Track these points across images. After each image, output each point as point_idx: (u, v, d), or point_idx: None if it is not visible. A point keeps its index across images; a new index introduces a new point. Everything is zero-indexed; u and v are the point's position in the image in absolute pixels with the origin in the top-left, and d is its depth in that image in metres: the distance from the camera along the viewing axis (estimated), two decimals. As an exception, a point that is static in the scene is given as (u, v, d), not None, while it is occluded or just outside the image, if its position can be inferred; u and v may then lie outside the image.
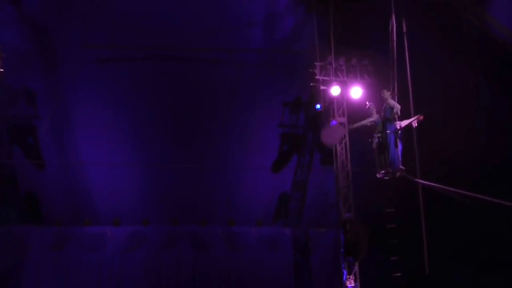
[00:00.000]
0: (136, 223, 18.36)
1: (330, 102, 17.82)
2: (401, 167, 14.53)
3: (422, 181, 14.18)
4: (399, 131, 14.61)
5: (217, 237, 18.66)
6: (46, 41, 18.12)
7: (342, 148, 17.59)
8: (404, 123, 14.51)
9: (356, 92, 17.56)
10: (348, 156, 17.54)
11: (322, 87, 17.60)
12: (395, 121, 14.65)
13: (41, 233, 17.92)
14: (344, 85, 17.66)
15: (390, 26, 13.54)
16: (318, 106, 18.11)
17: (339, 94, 17.63)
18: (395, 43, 13.56)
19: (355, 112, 17.21)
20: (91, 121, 18.65)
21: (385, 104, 14.92)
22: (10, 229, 17.73)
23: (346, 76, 17.77)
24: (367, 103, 15.89)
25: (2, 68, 15.93)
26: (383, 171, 14.85)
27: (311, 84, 17.75)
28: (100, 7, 17.55)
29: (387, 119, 14.81)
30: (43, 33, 17.98)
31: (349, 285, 16.61)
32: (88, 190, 18.88)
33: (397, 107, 14.51)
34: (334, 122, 17.53)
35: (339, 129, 17.32)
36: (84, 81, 18.40)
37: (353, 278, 16.69)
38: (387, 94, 14.85)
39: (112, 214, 18.37)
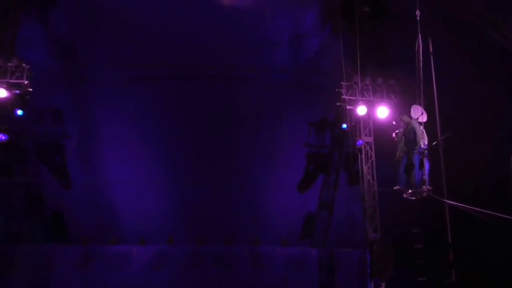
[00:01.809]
0: (161, 241, 18.37)
1: (356, 122, 17.69)
2: (428, 187, 14.31)
3: (449, 201, 14.02)
4: (426, 151, 14.42)
5: (242, 257, 18.62)
6: (72, 60, 18.32)
7: (368, 168, 17.48)
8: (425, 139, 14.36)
9: (383, 112, 17.44)
10: (375, 175, 17.41)
11: (348, 107, 17.47)
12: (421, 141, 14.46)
13: (67, 251, 17.98)
14: (370, 105, 17.54)
15: (416, 46, 13.43)
16: (344, 125, 17.92)
17: (365, 114, 17.55)
18: (421, 63, 13.43)
19: (381, 132, 17.14)
20: (116, 139, 18.80)
21: (408, 126, 14.68)
22: (37, 247, 17.84)
23: (372, 95, 17.68)
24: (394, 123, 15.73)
25: (30, 88, 16.04)
26: (410, 191, 14.65)
27: (337, 104, 17.66)
28: (126, 27, 17.72)
29: (411, 140, 14.58)
30: (69, 52, 18.18)
31: (375, 306, 16.49)
32: (114, 208, 18.98)
33: (419, 136, 14.26)
34: (360, 141, 17.50)
35: None
36: (109, 99, 18.57)
37: (380, 299, 16.55)
38: (406, 118, 14.67)
39: (138, 232, 18.41)
